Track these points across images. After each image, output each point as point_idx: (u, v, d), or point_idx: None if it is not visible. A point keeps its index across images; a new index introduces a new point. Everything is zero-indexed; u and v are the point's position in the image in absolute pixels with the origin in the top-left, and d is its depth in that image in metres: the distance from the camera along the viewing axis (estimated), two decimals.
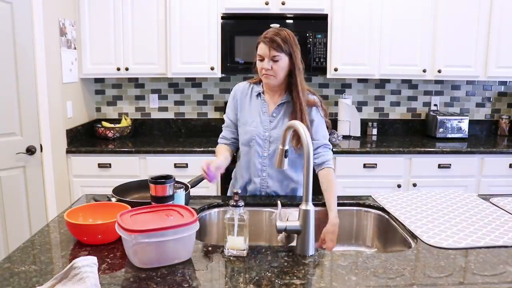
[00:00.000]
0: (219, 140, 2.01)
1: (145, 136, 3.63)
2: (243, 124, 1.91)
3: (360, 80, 3.64)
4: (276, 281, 1.13)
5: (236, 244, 1.29)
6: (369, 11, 3.20)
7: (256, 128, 1.87)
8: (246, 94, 1.93)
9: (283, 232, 1.33)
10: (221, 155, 1.86)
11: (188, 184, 1.73)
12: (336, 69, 3.24)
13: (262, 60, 1.78)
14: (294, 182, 1.92)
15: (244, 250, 1.29)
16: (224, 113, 2.03)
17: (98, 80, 3.63)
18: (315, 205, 1.34)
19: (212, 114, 3.69)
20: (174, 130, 3.70)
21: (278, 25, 3.10)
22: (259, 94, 1.91)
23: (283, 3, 3.14)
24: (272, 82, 1.83)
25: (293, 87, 1.82)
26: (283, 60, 1.76)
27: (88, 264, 1.07)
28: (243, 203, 1.31)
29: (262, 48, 1.76)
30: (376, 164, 3.05)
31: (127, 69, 3.25)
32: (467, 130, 3.43)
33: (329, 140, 1.90)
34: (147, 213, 1.30)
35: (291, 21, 3.17)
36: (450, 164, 3.06)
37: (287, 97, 1.87)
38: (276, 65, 1.76)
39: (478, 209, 1.69)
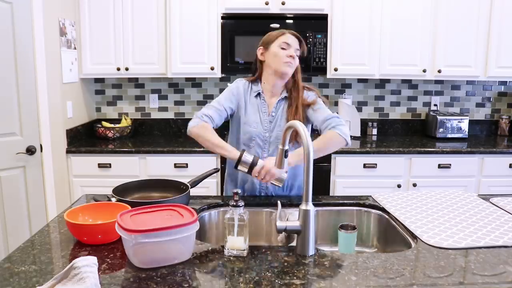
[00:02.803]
0: (203, 118, 1.84)
1: (145, 136, 3.63)
2: (244, 123, 1.91)
3: (360, 80, 3.64)
4: (276, 281, 1.13)
5: (236, 244, 1.29)
6: (369, 11, 3.20)
7: (256, 128, 1.88)
8: (246, 93, 1.94)
9: (283, 232, 1.33)
10: (228, 145, 1.82)
11: (188, 184, 1.73)
12: (336, 69, 3.24)
13: (286, 49, 1.82)
14: (293, 180, 1.92)
15: (244, 250, 1.29)
16: None
17: (98, 80, 3.63)
18: (315, 205, 1.34)
19: None
20: (174, 130, 3.70)
21: (278, 25, 3.11)
22: (258, 94, 1.91)
23: (283, 3, 3.14)
24: (290, 72, 1.86)
25: (295, 85, 1.89)
26: (298, 55, 1.87)
27: (88, 264, 1.07)
28: (243, 203, 1.31)
29: (291, 38, 1.84)
30: (376, 164, 3.05)
31: (127, 69, 3.25)
32: (467, 130, 3.43)
33: None
34: (147, 213, 1.30)
35: (291, 21, 3.17)
36: (450, 164, 3.06)
37: (284, 94, 1.91)
38: (296, 58, 1.86)
39: (478, 209, 1.69)
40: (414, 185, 3.08)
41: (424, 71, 3.27)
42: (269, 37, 1.87)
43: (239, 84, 1.95)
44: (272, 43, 1.85)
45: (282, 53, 1.82)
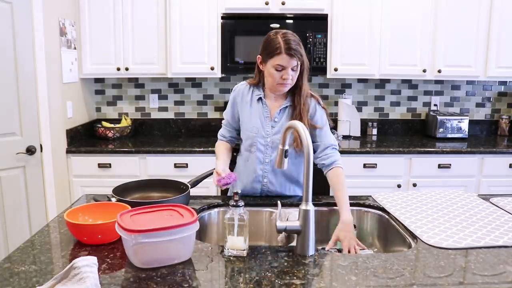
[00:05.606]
0: (219, 137, 2.03)
1: (145, 136, 3.63)
2: (245, 129, 1.87)
3: (360, 80, 3.64)
4: (276, 281, 1.13)
5: (236, 244, 1.29)
6: (369, 11, 3.20)
7: (257, 133, 1.83)
8: (246, 98, 1.87)
9: (283, 232, 1.33)
10: (220, 156, 1.87)
11: (188, 184, 1.73)
12: (336, 69, 3.24)
13: (280, 70, 1.70)
14: (295, 185, 1.92)
15: (244, 250, 1.29)
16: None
17: (98, 80, 3.63)
18: (315, 205, 1.34)
19: (212, 114, 3.69)
20: (174, 130, 3.70)
21: (278, 25, 3.11)
22: (260, 99, 1.84)
23: (283, 3, 3.14)
24: (285, 90, 1.78)
25: (298, 90, 1.78)
26: (299, 67, 1.73)
27: (88, 264, 1.07)
28: (243, 203, 1.31)
29: (286, 59, 1.67)
30: (376, 164, 3.05)
31: (127, 69, 3.25)
32: (467, 130, 3.43)
33: None
34: (147, 213, 1.30)
35: (291, 21, 3.17)
36: (450, 164, 3.06)
37: (289, 101, 1.82)
38: (294, 74, 1.72)
39: (478, 209, 1.69)
40: (414, 185, 3.08)
41: (424, 71, 3.27)
42: (267, 49, 1.71)
43: (236, 91, 1.91)
44: (268, 59, 1.71)
45: (277, 75, 1.70)
